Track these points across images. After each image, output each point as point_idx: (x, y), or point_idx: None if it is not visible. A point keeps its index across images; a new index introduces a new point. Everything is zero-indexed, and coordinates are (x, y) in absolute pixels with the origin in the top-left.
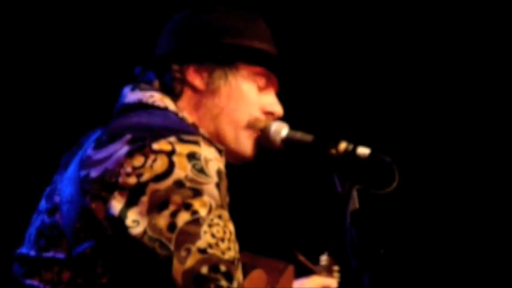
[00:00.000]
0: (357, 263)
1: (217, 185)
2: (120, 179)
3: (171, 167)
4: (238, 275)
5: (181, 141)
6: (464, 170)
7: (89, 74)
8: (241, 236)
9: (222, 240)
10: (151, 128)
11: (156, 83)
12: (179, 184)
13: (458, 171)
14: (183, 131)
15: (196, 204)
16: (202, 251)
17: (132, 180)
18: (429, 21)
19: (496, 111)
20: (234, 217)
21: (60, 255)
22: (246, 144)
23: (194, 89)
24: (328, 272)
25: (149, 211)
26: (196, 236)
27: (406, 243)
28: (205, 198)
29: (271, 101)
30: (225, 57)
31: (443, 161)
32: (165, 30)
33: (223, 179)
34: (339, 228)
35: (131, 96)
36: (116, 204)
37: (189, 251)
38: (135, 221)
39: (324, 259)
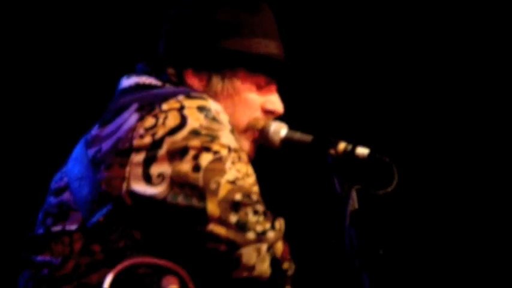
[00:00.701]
0: (356, 264)
1: (232, 132)
2: (135, 142)
3: (183, 119)
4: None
5: (190, 97)
6: (463, 170)
7: (89, 71)
8: None
9: (247, 175)
10: (157, 95)
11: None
12: (195, 132)
13: (457, 171)
14: (190, 91)
15: (216, 146)
16: (231, 182)
17: (147, 139)
18: (428, 18)
19: (496, 110)
20: None
21: (71, 227)
22: (244, 146)
23: None
24: None
25: (170, 161)
26: (222, 171)
27: (405, 244)
28: (223, 140)
29: (271, 99)
30: (223, 63)
31: (443, 161)
32: (162, 27)
33: (235, 131)
34: (338, 228)
35: (127, 81)
36: (135, 167)
37: (218, 183)
38: (160, 175)
39: None
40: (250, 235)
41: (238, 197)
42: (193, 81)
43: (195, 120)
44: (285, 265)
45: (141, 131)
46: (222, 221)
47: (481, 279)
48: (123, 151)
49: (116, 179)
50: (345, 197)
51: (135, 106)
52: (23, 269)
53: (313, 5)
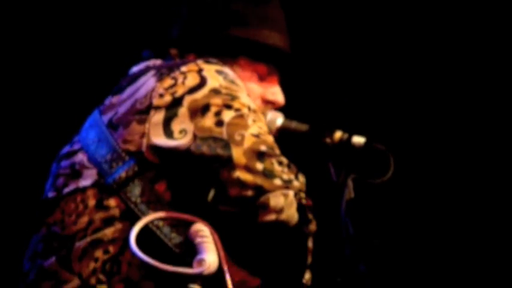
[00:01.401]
0: (351, 253)
1: (248, 96)
2: (154, 101)
3: (203, 79)
4: None
5: (208, 62)
6: (459, 160)
7: (90, 66)
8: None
9: (268, 133)
10: (175, 63)
11: None
12: (215, 91)
13: (453, 161)
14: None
15: (237, 104)
16: (255, 135)
17: (167, 98)
18: (426, 13)
19: (491, 101)
20: None
21: (86, 182)
22: None
23: None
24: None
25: (192, 117)
26: (245, 126)
27: (401, 233)
28: (243, 100)
29: (272, 90)
30: (226, 50)
31: (439, 151)
32: (173, 9)
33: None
34: (334, 217)
35: (137, 67)
36: (155, 124)
37: (242, 135)
38: (182, 131)
39: None
40: (277, 181)
41: (263, 148)
42: None
43: (214, 80)
44: (310, 215)
45: (160, 90)
46: (249, 168)
47: (476, 268)
48: (142, 110)
49: (135, 135)
50: (341, 186)
51: (152, 72)
52: (33, 233)
53: None
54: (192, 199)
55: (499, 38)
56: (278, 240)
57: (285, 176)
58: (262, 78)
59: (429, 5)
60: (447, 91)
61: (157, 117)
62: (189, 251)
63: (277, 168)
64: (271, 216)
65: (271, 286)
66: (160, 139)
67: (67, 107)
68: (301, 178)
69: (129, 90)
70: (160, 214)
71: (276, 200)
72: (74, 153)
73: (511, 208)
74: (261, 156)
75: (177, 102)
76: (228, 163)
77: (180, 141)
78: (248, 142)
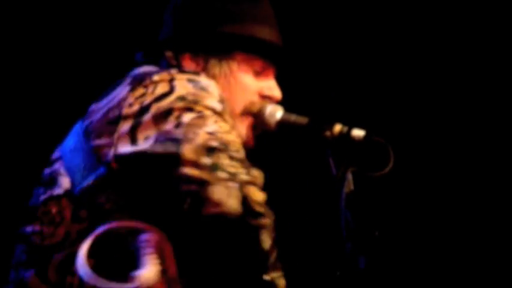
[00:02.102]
0: (351, 246)
1: (221, 102)
2: (123, 110)
3: (172, 88)
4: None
5: (182, 72)
6: (459, 152)
7: (85, 66)
8: None
9: (229, 132)
10: (150, 71)
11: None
12: (181, 98)
13: (453, 153)
14: (184, 69)
15: (199, 107)
16: (209, 133)
17: (135, 107)
18: (419, 3)
19: (487, 89)
20: None
21: (58, 191)
22: (241, 130)
23: None
24: None
25: (156, 123)
26: (203, 124)
27: (401, 226)
28: (208, 103)
29: (269, 85)
30: (220, 47)
31: (438, 143)
32: (165, 12)
33: (226, 104)
34: (334, 210)
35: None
36: (123, 134)
37: (196, 133)
38: (146, 138)
39: None
40: (222, 174)
41: (214, 143)
42: (191, 65)
43: (183, 88)
44: (259, 208)
45: (131, 100)
46: (195, 164)
47: (476, 259)
48: (113, 120)
49: (105, 145)
50: (340, 179)
51: (128, 80)
52: (17, 242)
53: None
54: (150, 206)
55: (490, 25)
56: (225, 235)
57: (232, 169)
58: (258, 74)
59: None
60: (445, 83)
61: (125, 126)
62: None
63: (224, 162)
64: (212, 209)
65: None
66: (125, 148)
67: (62, 111)
68: (255, 172)
69: (106, 99)
70: (112, 225)
71: (217, 193)
72: (55, 160)
73: (510, 199)
74: (210, 151)
75: (143, 110)
76: (177, 160)
77: (142, 146)
78: (200, 139)
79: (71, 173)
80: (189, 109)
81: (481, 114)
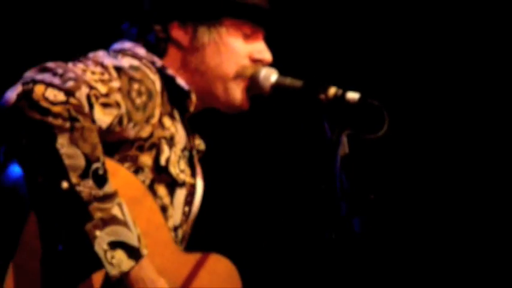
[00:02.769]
0: (347, 209)
1: (119, 66)
2: None
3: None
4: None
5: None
6: (455, 115)
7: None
8: (233, 182)
9: (93, 73)
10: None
11: (141, 42)
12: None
13: (449, 116)
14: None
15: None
16: (62, 63)
17: None
18: None
19: (484, 63)
20: (225, 164)
21: None
22: (235, 94)
23: (179, 46)
24: None
25: None
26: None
27: (396, 188)
28: (99, 59)
29: (259, 48)
30: (208, 13)
31: (434, 105)
32: None
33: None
34: (329, 173)
35: (116, 44)
36: None
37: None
38: None
39: None
40: (26, 80)
41: (51, 64)
42: (179, 33)
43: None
44: (47, 104)
45: None
46: (22, 78)
47: (470, 227)
48: None
49: None
50: (335, 142)
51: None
52: None
53: None
54: None
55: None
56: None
57: (38, 77)
58: (247, 37)
59: None
60: (441, 47)
61: None
62: None
63: (42, 74)
64: None
65: None
66: None
67: None
68: (71, 83)
69: None
70: None
71: (9, 90)
72: None
73: (507, 169)
74: (42, 69)
75: None
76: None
77: None
78: (48, 63)
79: None
80: (78, 60)
81: (480, 78)
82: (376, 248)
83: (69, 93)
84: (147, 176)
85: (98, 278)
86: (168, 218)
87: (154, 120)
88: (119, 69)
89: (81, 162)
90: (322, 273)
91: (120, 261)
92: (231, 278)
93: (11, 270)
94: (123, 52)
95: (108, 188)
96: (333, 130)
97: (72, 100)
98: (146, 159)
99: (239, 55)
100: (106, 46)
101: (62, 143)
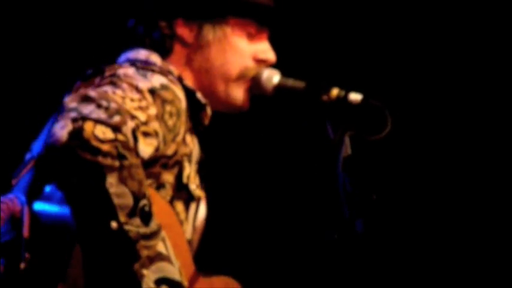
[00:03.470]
0: (349, 210)
1: (153, 88)
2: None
3: (113, 73)
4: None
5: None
6: (457, 116)
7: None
8: (235, 182)
9: (132, 100)
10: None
11: (147, 40)
12: (112, 75)
13: (451, 117)
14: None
15: (120, 81)
16: (104, 91)
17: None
18: None
19: (485, 58)
20: (227, 166)
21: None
22: (237, 95)
23: (184, 44)
24: None
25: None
26: (107, 87)
27: (398, 189)
28: (133, 82)
29: (263, 48)
30: (214, 11)
31: (436, 106)
32: None
33: (162, 92)
34: (332, 174)
35: (124, 55)
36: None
37: (93, 89)
38: None
39: None
40: (72, 113)
41: (92, 94)
42: (184, 31)
43: (122, 70)
44: (97, 143)
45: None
46: (64, 107)
47: (472, 224)
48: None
49: None
50: (338, 143)
51: (90, 70)
52: None
53: None
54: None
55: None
56: (58, 166)
57: (84, 110)
58: (252, 37)
59: None
60: (443, 49)
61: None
62: None
63: (86, 106)
64: (47, 139)
65: None
66: None
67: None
68: (117, 118)
69: (76, 86)
70: None
71: (56, 125)
72: (30, 149)
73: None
74: (84, 99)
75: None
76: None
77: None
78: (86, 90)
79: (25, 163)
80: (112, 82)
81: (479, 80)
82: (379, 249)
83: (116, 129)
84: (168, 192)
85: None
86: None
87: (179, 138)
88: (152, 92)
89: (129, 200)
90: (325, 274)
91: None
92: None
93: None
94: (150, 67)
95: (154, 225)
96: (336, 131)
97: (120, 136)
98: (169, 176)
99: (243, 55)
100: (112, 46)
101: (111, 182)
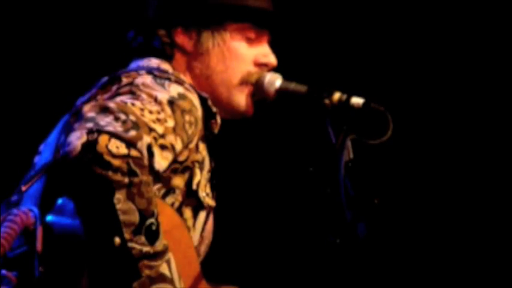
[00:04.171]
0: (351, 214)
1: (172, 99)
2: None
3: (131, 82)
4: None
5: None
6: (459, 121)
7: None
8: (236, 186)
9: (150, 112)
10: (131, 69)
11: (147, 49)
12: (130, 84)
13: (453, 121)
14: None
15: (139, 91)
16: (122, 101)
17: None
18: None
19: (486, 59)
20: (228, 168)
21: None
22: (240, 100)
23: (184, 52)
24: None
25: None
26: (125, 96)
27: (400, 193)
28: (152, 92)
29: (263, 52)
30: (212, 18)
31: (438, 110)
32: None
33: (181, 102)
34: (334, 178)
35: (133, 64)
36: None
37: (112, 100)
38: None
39: None
40: (89, 124)
41: (111, 105)
42: (183, 39)
43: (140, 78)
44: (109, 158)
45: (98, 97)
46: (81, 116)
47: (473, 226)
48: (75, 120)
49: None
50: (340, 147)
51: (105, 79)
52: None
53: None
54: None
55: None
56: (71, 177)
57: (101, 122)
58: (251, 41)
59: None
60: (445, 53)
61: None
62: None
63: (103, 118)
64: (62, 149)
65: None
66: None
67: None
68: (133, 132)
69: (87, 95)
70: None
71: (72, 134)
72: (38, 152)
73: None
74: (103, 110)
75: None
76: (79, 112)
77: None
78: (105, 102)
79: (37, 167)
80: (131, 92)
81: (482, 85)
82: (380, 252)
83: (131, 144)
84: (177, 198)
85: None
86: None
87: (192, 145)
88: (171, 104)
89: (135, 218)
90: (327, 278)
91: None
92: None
93: None
94: (166, 75)
95: (160, 245)
96: (338, 135)
97: (133, 152)
98: (179, 182)
99: (244, 61)
100: (112, 56)
101: (119, 198)
